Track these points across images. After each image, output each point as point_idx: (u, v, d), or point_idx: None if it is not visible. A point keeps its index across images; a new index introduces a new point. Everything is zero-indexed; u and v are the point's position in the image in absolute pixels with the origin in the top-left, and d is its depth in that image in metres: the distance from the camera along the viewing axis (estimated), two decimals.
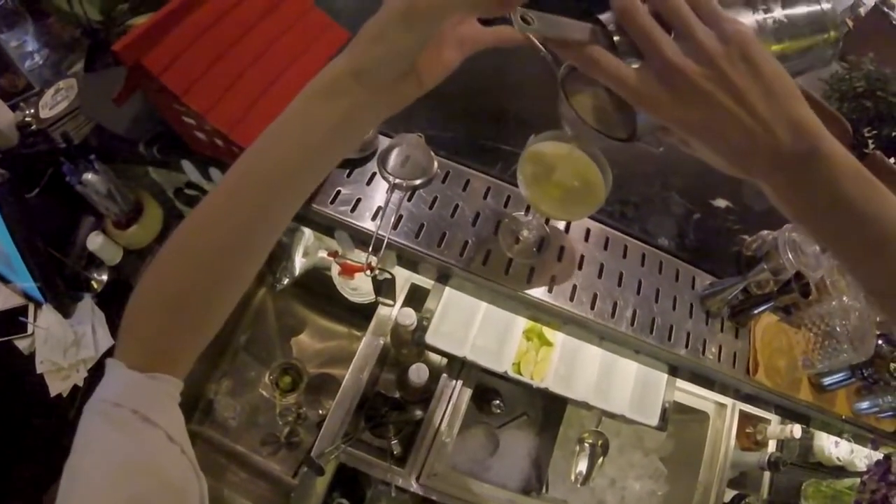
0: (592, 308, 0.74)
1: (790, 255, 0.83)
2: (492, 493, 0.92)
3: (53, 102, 1.04)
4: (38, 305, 1.02)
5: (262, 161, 0.40)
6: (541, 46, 0.39)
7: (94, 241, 0.98)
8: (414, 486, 0.90)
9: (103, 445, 0.35)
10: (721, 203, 0.94)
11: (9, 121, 0.99)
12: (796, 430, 1.02)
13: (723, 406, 1.06)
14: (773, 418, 1.07)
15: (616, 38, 0.36)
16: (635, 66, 0.35)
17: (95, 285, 1.04)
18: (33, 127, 1.02)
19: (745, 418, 1.07)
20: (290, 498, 1.02)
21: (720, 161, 0.37)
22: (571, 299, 0.74)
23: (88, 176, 0.91)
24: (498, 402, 0.95)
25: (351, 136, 0.41)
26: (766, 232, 0.91)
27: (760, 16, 0.41)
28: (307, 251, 0.93)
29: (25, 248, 0.92)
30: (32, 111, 1.03)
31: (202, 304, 0.42)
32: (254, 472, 1.08)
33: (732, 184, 0.98)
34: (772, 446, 1.07)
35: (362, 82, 0.37)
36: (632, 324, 0.76)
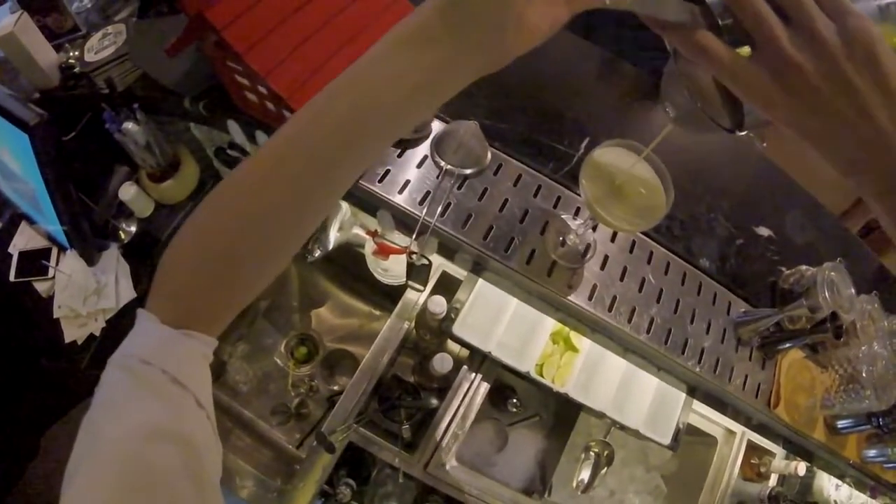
0: (629, 321, 0.73)
1: (827, 294, 0.82)
2: (496, 490, 0.91)
3: (100, 46, 1.01)
4: (62, 250, 1.00)
5: (331, 114, 0.34)
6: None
7: (127, 191, 0.96)
8: (421, 475, 0.88)
9: (129, 406, 0.33)
10: (764, 231, 0.92)
11: (52, 61, 0.97)
12: (801, 467, 1.00)
13: (732, 433, 1.05)
14: (779, 452, 1.06)
15: (722, 23, 0.32)
16: (745, 55, 0.31)
17: (123, 236, 1.02)
18: (76, 69, 1.00)
19: (751, 449, 1.06)
20: (292, 468, 1.01)
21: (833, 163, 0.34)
22: (610, 310, 0.72)
23: (129, 125, 0.89)
24: (515, 400, 0.94)
25: (436, 94, 0.35)
26: (804, 267, 0.89)
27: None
28: (342, 226, 0.91)
29: (56, 190, 0.89)
30: (77, 53, 1.01)
31: (247, 264, 0.38)
32: (259, 440, 1.07)
33: (777, 213, 0.96)
34: (773, 480, 1.06)
35: (456, 27, 0.31)
36: (665, 342, 0.75)
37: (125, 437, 0.31)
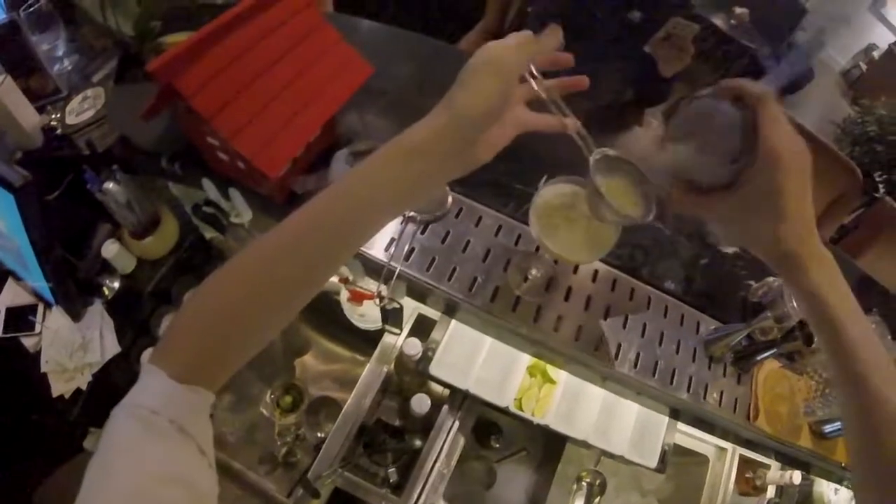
0: (596, 349, 0.76)
1: (794, 304, 0.85)
2: None
3: (80, 109, 1.07)
4: (48, 306, 1.03)
5: (335, 209, 0.43)
6: (577, 137, 0.49)
7: (109, 249, 1.00)
8: None
9: (139, 450, 0.36)
10: (729, 249, 0.96)
11: (34, 123, 1.02)
12: (796, 476, 1.01)
13: (723, 450, 1.06)
14: (773, 464, 1.06)
15: None
16: None
17: (107, 292, 1.06)
18: (58, 131, 1.05)
19: (744, 463, 1.06)
20: None
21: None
22: (577, 339, 0.75)
23: (109, 185, 0.93)
24: (497, 436, 0.96)
25: (418, 197, 0.45)
26: (772, 279, 0.92)
27: None
28: None
29: (41, 248, 0.93)
30: (59, 115, 1.06)
31: (254, 329, 0.44)
32: (248, 490, 1.08)
33: None
34: (771, 492, 1.06)
35: (447, 145, 0.42)
36: (635, 366, 0.77)
37: (138, 479, 0.35)
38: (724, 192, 0.45)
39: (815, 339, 0.79)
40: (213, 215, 0.91)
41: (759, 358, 0.86)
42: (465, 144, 0.43)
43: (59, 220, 0.97)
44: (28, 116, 1.01)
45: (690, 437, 1.05)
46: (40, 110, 1.05)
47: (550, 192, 0.66)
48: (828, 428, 0.91)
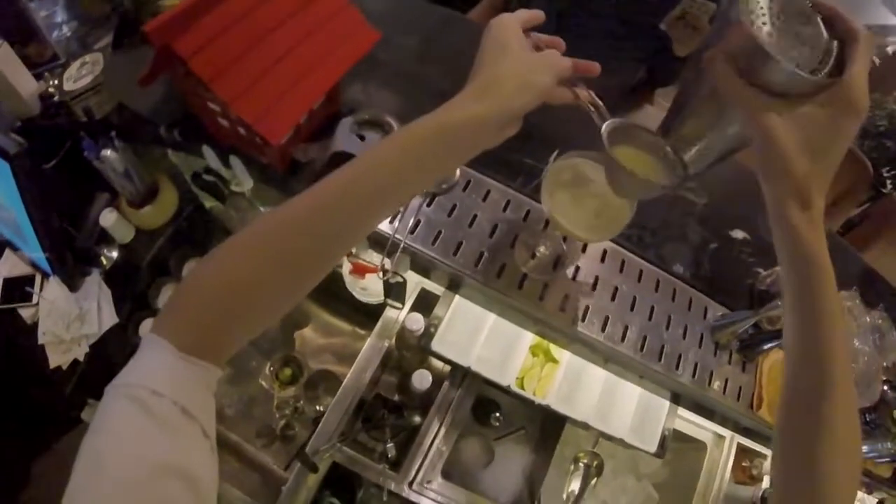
0: (603, 330, 0.73)
1: None
2: None
3: (78, 76, 1.03)
4: (45, 276, 1.01)
5: (364, 182, 0.42)
6: (589, 107, 0.48)
7: (107, 218, 0.97)
8: (406, 492, 0.88)
9: (138, 440, 0.33)
10: (738, 234, 0.93)
11: (32, 90, 0.99)
12: None
13: (721, 437, 1.05)
14: (770, 454, 1.05)
15: None
16: None
17: (104, 262, 1.03)
18: (56, 98, 1.01)
19: (741, 451, 1.05)
20: (280, 491, 1.01)
21: None
22: (583, 320, 0.72)
23: (107, 153, 0.90)
24: (497, 414, 0.94)
25: (450, 173, 0.48)
26: (780, 267, 0.89)
27: None
28: None
29: (37, 218, 0.91)
30: (56, 82, 1.03)
31: (268, 301, 0.41)
32: (246, 463, 1.07)
33: (751, 216, 0.97)
34: (766, 482, 1.05)
35: (493, 124, 0.43)
36: (640, 349, 0.75)
37: (134, 473, 0.31)
38: (775, 95, 0.39)
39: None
40: (214, 184, 0.88)
41: (765, 347, 0.84)
42: (505, 128, 0.44)
43: (56, 188, 0.95)
44: (25, 84, 0.97)
45: (689, 422, 1.03)
46: (38, 77, 1.02)
47: (563, 167, 0.63)
48: None
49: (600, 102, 0.49)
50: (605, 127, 0.49)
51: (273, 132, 0.70)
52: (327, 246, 0.42)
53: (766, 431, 0.88)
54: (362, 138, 0.76)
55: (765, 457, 1.05)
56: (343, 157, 0.74)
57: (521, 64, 0.44)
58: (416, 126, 0.43)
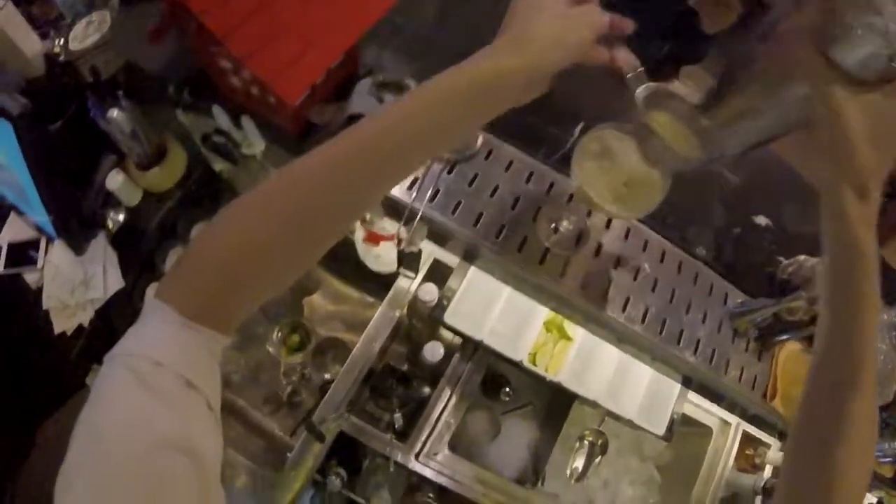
0: (623, 311, 0.70)
1: None
2: (488, 480, 0.89)
3: (84, 35, 0.97)
4: (49, 240, 0.97)
5: (387, 137, 0.38)
6: (626, 67, 0.45)
7: (114, 180, 0.92)
8: (412, 464, 0.87)
9: (139, 416, 0.30)
10: (762, 221, 0.89)
11: (37, 50, 0.93)
12: None
13: (727, 424, 1.03)
14: (774, 443, 1.03)
15: None
16: None
17: (111, 225, 0.99)
18: (61, 58, 0.96)
19: (746, 439, 1.03)
20: (284, 457, 0.99)
21: None
22: (604, 299, 0.69)
23: (114, 113, 0.86)
24: (507, 389, 0.92)
25: (475, 130, 0.43)
26: (803, 257, 0.86)
27: None
28: None
29: (41, 181, 0.87)
30: (62, 42, 0.97)
31: (280, 265, 0.38)
32: (251, 429, 1.05)
33: (775, 203, 0.93)
34: (768, 471, 1.04)
35: (524, 79, 0.40)
36: (660, 332, 0.72)
37: (133, 448, 0.29)
38: (854, 80, 0.37)
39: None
40: (224, 146, 0.83)
41: (783, 337, 0.81)
42: (535, 85, 0.41)
43: (61, 150, 0.91)
44: (30, 43, 0.92)
45: (696, 406, 1.01)
46: (43, 37, 0.96)
47: (595, 138, 0.59)
48: None
49: (639, 64, 0.46)
50: (641, 90, 0.45)
51: (289, 91, 0.65)
52: (345, 205, 0.39)
53: (775, 422, 0.86)
54: (381, 101, 0.71)
55: (769, 446, 1.03)
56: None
57: (557, 19, 0.41)
58: (441, 79, 0.39)
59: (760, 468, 1.04)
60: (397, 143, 0.38)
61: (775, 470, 1.04)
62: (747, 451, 1.04)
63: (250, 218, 0.37)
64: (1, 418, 0.98)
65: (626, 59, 0.45)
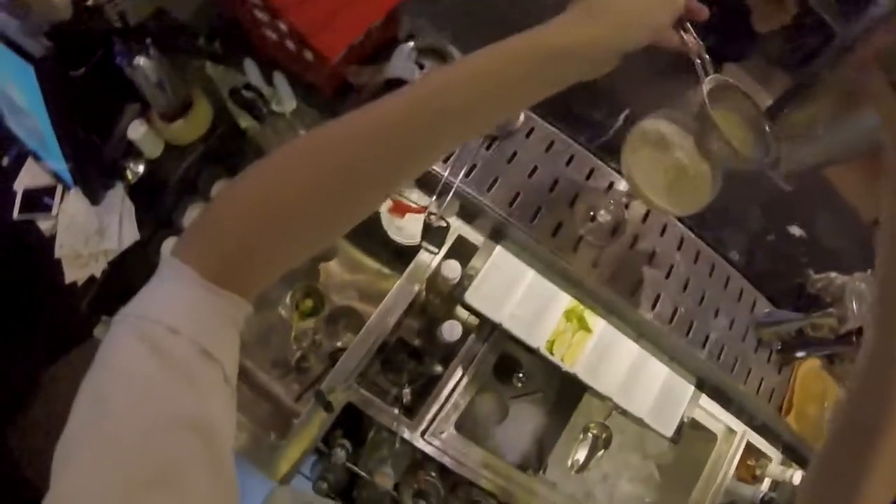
0: (654, 308, 0.67)
1: (855, 306, 0.75)
2: (491, 463, 0.88)
3: None
4: (66, 188, 0.94)
5: (443, 100, 0.35)
6: (696, 59, 0.43)
7: (136, 130, 0.89)
8: (417, 441, 0.85)
9: (148, 385, 0.27)
10: (796, 231, 0.85)
11: None
12: (797, 476, 0.96)
13: (733, 432, 1.00)
14: (776, 456, 1.01)
15: None
16: None
17: (130, 176, 0.95)
18: (89, 2, 0.91)
19: (749, 449, 1.01)
20: (289, 422, 0.98)
21: None
22: (634, 294, 0.66)
23: (140, 61, 0.81)
24: (521, 374, 0.89)
25: (533, 103, 0.39)
26: (834, 274, 0.82)
27: None
28: None
29: (61, 126, 0.83)
30: None
31: (315, 226, 0.35)
32: (257, 392, 1.04)
33: (810, 214, 0.89)
34: (766, 484, 1.02)
35: (600, 53, 0.37)
36: (687, 334, 0.69)
37: (140, 423, 0.26)
38: None
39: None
40: (253, 101, 0.79)
41: (805, 353, 0.78)
42: (605, 62, 0.38)
43: (84, 97, 0.86)
44: None
45: (704, 411, 0.99)
46: None
47: (650, 127, 0.55)
48: None
49: (707, 55, 0.44)
50: (707, 82, 0.44)
51: (329, 47, 0.61)
52: (394, 167, 0.35)
53: (783, 435, 0.84)
54: (421, 67, 0.67)
55: (771, 459, 1.01)
56: (398, 84, 0.65)
57: None
58: (513, 42, 0.35)
59: (760, 480, 1.02)
60: (461, 104, 0.35)
61: (774, 483, 1.02)
62: (749, 462, 1.02)
63: (288, 170, 0.33)
64: (8, 359, 0.97)
65: (694, 45, 0.43)
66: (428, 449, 0.85)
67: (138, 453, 0.25)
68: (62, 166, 0.88)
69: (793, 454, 0.95)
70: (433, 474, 0.87)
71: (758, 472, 1.02)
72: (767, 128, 0.46)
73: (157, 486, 0.25)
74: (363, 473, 0.84)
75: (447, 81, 0.35)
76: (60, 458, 0.25)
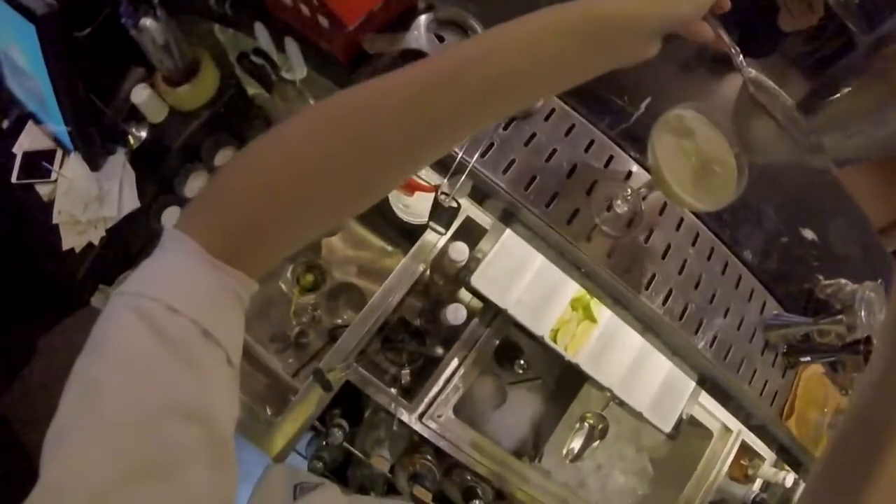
0: (664, 304, 0.65)
1: (864, 315, 0.74)
2: (487, 449, 0.87)
3: None
4: (66, 152, 0.91)
5: (492, 62, 0.32)
6: (732, 52, 0.41)
7: (140, 94, 0.85)
8: (415, 424, 0.84)
9: (145, 368, 0.25)
10: (808, 234, 0.83)
11: None
12: (790, 478, 0.96)
13: (728, 430, 1.00)
14: (770, 457, 1.01)
15: None
16: None
17: (132, 141, 0.92)
18: None
19: (743, 449, 1.00)
20: (286, 398, 0.96)
21: None
22: (646, 288, 0.64)
23: (147, 22, 0.78)
24: (522, 361, 0.88)
25: (579, 81, 0.36)
26: (844, 281, 0.80)
27: None
28: None
29: (61, 87, 0.80)
30: None
31: (333, 198, 0.32)
32: (255, 365, 1.02)
33: (823, 218, 0.87)
34: (758, 485, 1.02)
35: (647, 28, 0.35)
36: (696, 331, 0.67)
37: (135, 410, 0.24)
38: None
39: None
40: (262, 67, 0.75)
41: (811, 358, 0.77)
42: (654, 41, 0.37)
43: (87, 59, 0.83)
44: None
45: (701, 408, 0.98)
46: None
47: (684, 120, 0.52)
48: None
49: (739, 50, 0.42)
50: (746, 74, 0.42)
51: (348, 13, 0.57)
52: (421, 140, 0.32)
53: (781, 438, 0.83)
54: (441, 39, 0.63)
55: (764, 459, 1.01)
56: (416, 56, 0.62)
57: None
58: (556, 11, 0.33)
59: (752, 480, 1.01)
60: (500, 72, 0.32)
61: (765, 484, 1.02)
62: (742, 461, 1.02)
63: (299, 139, 0.31)
64: (4, 325, 0.95)
65: (726, 39, 0.41)
66: (425, 432, 0.84)
67: (133, 443, 0.23)
68: (62, 129, 0.85)
69: (787, 456, 0.94)
70: (429, 457, 0.86)
71: (750, 472, 1.02)
72: (801, 125, 0.43)
73: (151, 480, 0.23)
74: (360, 455, 0.83)
75: (489, 45, 0.32)
76: (51, 444, 0.23)
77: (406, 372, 0.87)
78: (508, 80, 0.32)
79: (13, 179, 0.90)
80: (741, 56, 0.42)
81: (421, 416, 0.84)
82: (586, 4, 0.34)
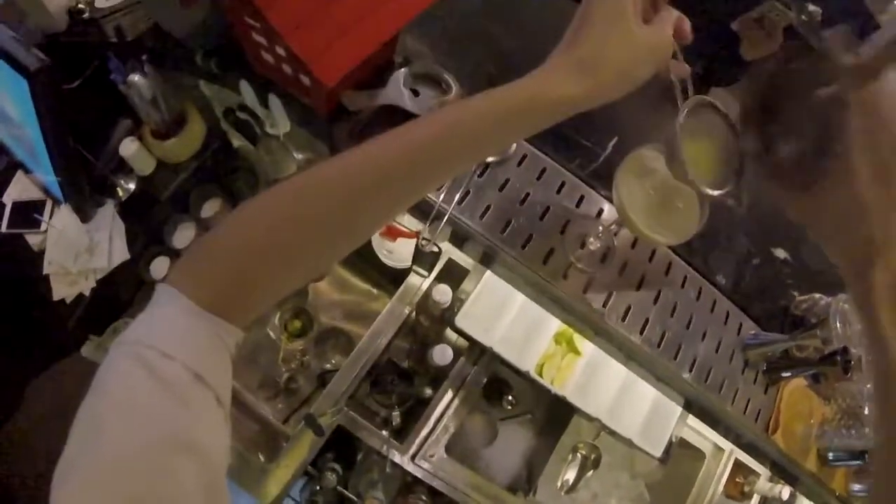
0: (642, 333, 0.67)
1: (839, 327, 0.76)
2: (481, 486, 0.86)
3: None
4: (56, 203, 0.92)
5: (439, 147, 0.35)
6: (676, 83, 0.42)
7: (128, 147, 0.87)
8: (407, 465, 0.83)
9: (146, 411, 0.27)
10: (780, 253, 0.86)
11: (61, 3, 0.87)
12: (785, 492, 0.96)
13: (721, 450, 1.01)
14: (764, 473, 1.02)
15: None
16: None
17: (121, 193, 0.94)
18: (86, 15, 0.90)
19: (737, 466, 1.01)
20: (277, 444, 0.96)
21: None
22: (623, 319, 0.66)
23: (135, 77, 0.81)
24: (510, 397, 0.89)
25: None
26: (818, 295, 0.83)
27: None
28: None
29: (53, 139, 0.82)
30: None
31: (305, 263, 0.36)
32: (245, 412, 1.01)
33: (794, 236, 0.90)
34: (755, 501, 1.03)
35: (583, 108, 0.37)
36: (675, 357, 0.69)
37: (135, 444, 0.26)
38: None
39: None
40: (247, 122, 0.79)
41: (791, 373, 0.79)
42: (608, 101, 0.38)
43: (77, 111, 0.85)
44: None
45: (691, 430, 0.99)
46: None
47: (644, 160, 0.56)
48: (833, 456, 0.85)
49: (689, 79, 0.43)
50: (683, 107, 0.43)
51: (328, 73, 0.61)
52: (390, 205, 0.37)
53: (771, 453, 0.84)
54: (416, 94, 0.67)
55: (759, 475, 1.01)
56: (392, 111, 0.65)
57: (630, 49, 0.37)
58: (501, 93, 0.36)
59: (748, 497, 1.02)
60: (446, 155, 0.36)
61: (762, 500, 1.02)
62: (737, 479, 1.02)
63: (287, 206, 0.34)
64: None
65: (679, 69, 0.42)
66: (418, 472, 0.83)
67: (129, 473, 0.25)
68: (52, 180, 0.86)
69: (781, 471, 0.95)
70: (423, 497, 0.85)
71: (746, 489, 1.02)
72: (737, 158, 0.45)
73: None
74: (354, 498, 0.82)
75: (437, 131, 0.36)
76: (57, 479, 0.25)
77: (396, 413, 0.87)
78: (456, 157, 0.36)
79: (3, 228, 0.91)
80: (686, 87, 0.43)
81: (413, 457, 0.84)
82: (528, 90, 0.36)
